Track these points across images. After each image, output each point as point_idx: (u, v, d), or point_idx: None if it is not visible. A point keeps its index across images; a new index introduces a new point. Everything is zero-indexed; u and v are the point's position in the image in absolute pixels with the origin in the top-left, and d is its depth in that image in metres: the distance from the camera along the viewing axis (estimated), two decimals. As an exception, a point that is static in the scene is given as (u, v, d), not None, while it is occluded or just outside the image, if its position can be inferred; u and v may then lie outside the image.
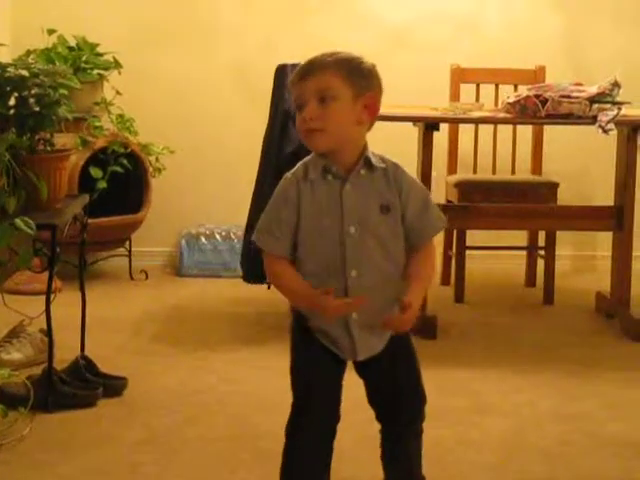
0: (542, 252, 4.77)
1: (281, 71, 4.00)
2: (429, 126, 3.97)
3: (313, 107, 2.05)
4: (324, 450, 2.18)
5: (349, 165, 2.09)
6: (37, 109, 3.13)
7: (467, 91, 4.85)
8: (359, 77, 2.07)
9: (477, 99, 4.76)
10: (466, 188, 4.59)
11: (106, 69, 4.80)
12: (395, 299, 2.08)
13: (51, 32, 4.72)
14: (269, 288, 4.05)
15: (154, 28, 5.19)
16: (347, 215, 2.07)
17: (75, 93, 3.77)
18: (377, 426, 2.24)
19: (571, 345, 3.92)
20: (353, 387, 2.20)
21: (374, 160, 2.10)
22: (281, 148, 3.94)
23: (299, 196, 2.08)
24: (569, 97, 3.86)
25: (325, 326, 2.12)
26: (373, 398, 2.23)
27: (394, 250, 2.11)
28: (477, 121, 4.44)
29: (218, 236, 5.15)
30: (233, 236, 5.12)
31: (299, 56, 4.03)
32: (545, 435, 2.96)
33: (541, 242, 4.82)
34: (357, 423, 2.36)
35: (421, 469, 2.25)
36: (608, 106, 3.84)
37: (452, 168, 4.90)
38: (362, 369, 2.20)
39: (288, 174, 2.13)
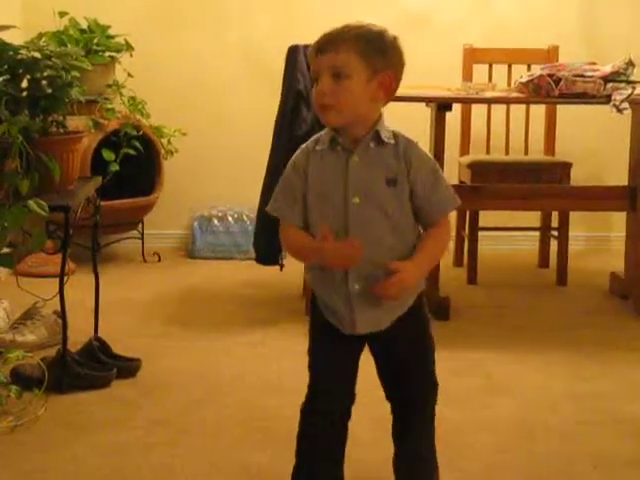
0: (555, 233, 4.76)
1: (293, 52, 3.98)
2: (441, 106, 3.95)
3: (327, 82, 2.03)
4: (339, 430, 2.18)
5: (359, 137, 2.08)
6: (49, 91, 3.13)
7: (480, 71, 4.83)
8: (376, 55, 2.04)
9: (490, 79, 4.74)
10: (479, 169, 4.58)
11: (118, 51, 4.80)
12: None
13: (62, 14, 4.71)
14: (281, 270, 4.05)
15: (165, 10, 5.19)
16: (352, 185, 2.06)
17: (87, 75, 3.76)
18: (389, 407, 2.24)
19: (585, 326, 3.91)
20: (367, 367, 2.19)
21: (384, 135, 2.09)
22: (293, 129, 3.93)
23: (307, 165, 2.10)
24: (583, 76, 3.84)
25: (327, 298, 2.12)
26: (381, 376, 2.22)
27: (401, 224, 2.09)
28: (490, 101, 4.42)
29: (230, 218, 5.16)
30: (245, 218, 5.12)
31: (311, 37, 4.05)
32: (560, 415, 2.95)
33: (554, 223, 4.81)
34: (371, 403, 2.36)
35: (434, 455, 2.23)
36: (622, 85, 3.81)
37: (465, 149, 4.89)
38: (373, 346, 2.19)
39: (303, 145, 2.15)
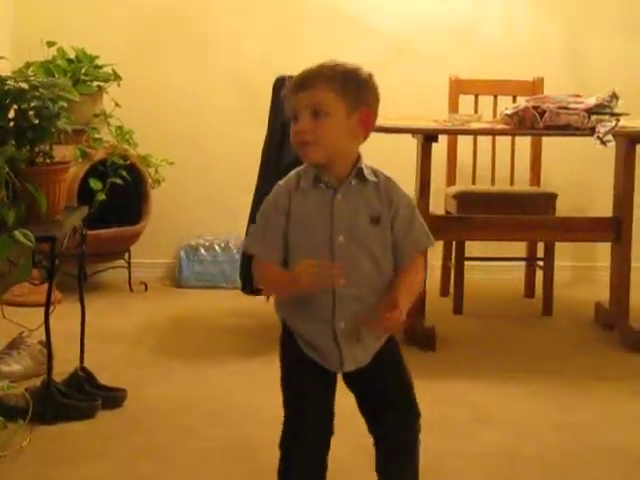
0: (541, 263, 4.78)
1: (280, 82, 4.01)
2: (428, 137, 3.98)
3: (306, 120, 2.05)
4: (318, 464, 2.16)
5: (341, 176, 2.09)
6: (36, 122, 3.14)
7: (466, 102, 4.86)
8: (354, 92, 2.06)
9: (476, 110, 4.77)
10: (465, 199, 4.60)
11: (105, 81, 4.82)
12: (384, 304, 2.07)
13: (51, 44, 4.73)
14: (268, 300, 4.05)
15: (153, 40, 5.21)
16: (337, 224, 2.07)
17: (74, 105, 3.77)
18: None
19: (570, 356, 3.92)
20: (348, 397, 2.19)
21: (366, 172, 2.10)
22: (280, 159, 3.95)
23: (290, 204, 2.09)
24: (567, 108, 3.87)
25: (311, 335, 2.11)
26: (363, 410, 2.21)
27: (383, 261, 2.11)
28: (475, 132, 4.45)
29: (217, 247, 5.16)
30: (232, 247, 5.12)
31: (298, 67, 4.06)
32: (544, 446, 2.96)
33: (540, 253, 4.82)
34: (352, 434, 2.36)
35: None
36: (606, 117, 3.85)
37: (451, 179, 4.91)
38: (350, 381, 2.19)
39: (280, 182, 2.14)
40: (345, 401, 2.19)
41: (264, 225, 2.12)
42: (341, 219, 2.08)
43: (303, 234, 2.09)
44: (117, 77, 4.80)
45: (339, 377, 2.17)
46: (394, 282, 2.11)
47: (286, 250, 2.10)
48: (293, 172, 2.14)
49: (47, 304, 3.03)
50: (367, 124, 2.09)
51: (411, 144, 4.15)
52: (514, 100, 4.69)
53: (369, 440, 2.22)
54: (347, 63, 2.11)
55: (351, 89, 2.06)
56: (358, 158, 2.12)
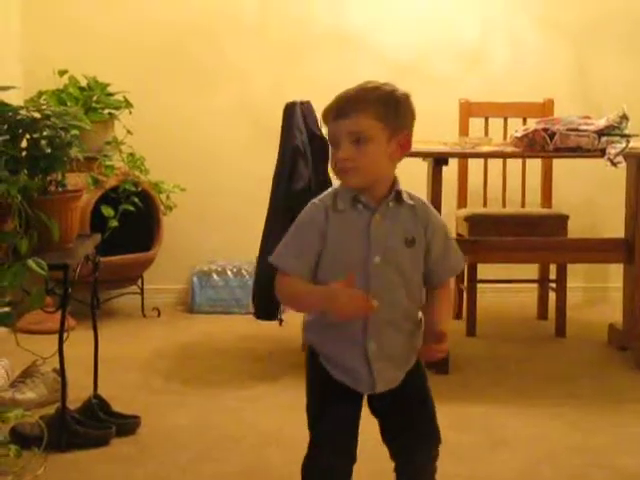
0: (553, 285, 4.77)
1: (290, 109, 4.02)
2: (438, 161, 3.99)
3: (347, 148, 2.05)
4: None
5: (379, 197, 2.10)
6: (49, 151, 3.15)
7: (476, 124, 4.87)
8: (394, 116, 2.07)
9: (486, 133, 4.78)
10: (476, 222, 4.61)
11: (117, 108, 4.84)
12: (412, 334, 2.09)
13: (62, 73, 4.77)
14: (281, 325, 4.06)
15: (164, 68, 5.24)
16: (374, 244, 2.08)
17: (86, 133, 3.79)
18: (392, 463, 2.23)
19: (584, 378, 3.91)
20: (369, 423, 2.19)
21: (404, 195, 2.12)
22: (290, 185, 3.95)
23: (327, 223, 2.08)
24: (577, 130, 3.87)
25: (342, 357, 2.11)
26: (387, 436, 2.21)
27: (414, 285, 2.12)
28: (485, 155, 4.46)
29: (230, 272, 5.17)
30: (245, 272, 5.13)
31: (308, 93, 4.10)
32: (559, 469, 2.95)
33: (552, 274, 4.82)
34: (373, 459, 2.36)
35: None
36: (617, 139, 3.84)
37: (462, 202, 4.92)
38: (376, 407, 2.19)
39: (315, 200, 2.13)
40: (366, 425, 2.18)
41: (298, 241, 2.10)
42: (378, 240, 2.08)
43: (339, 254, 2.08)
44: (128, 104, 4.82)
45: (364, 402, 2.18)
46: (433, 309, 2.13)
47: (316, 267, 2.09)
48: (329, 191, 2.14)
49: (61, 332, 3.04)
50: (405, 146, 2.11)
51: (421, 167, 4.16)
52: (524, 122, 4.70)
53: (390, 465, 2.22)
54: (384, 86, 2.11)
55: (391, 114, 2.07)
56: (394, 181, 2.13)
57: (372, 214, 2.09)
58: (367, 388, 2.13)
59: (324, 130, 2.14)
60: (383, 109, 2.06)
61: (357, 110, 2.05)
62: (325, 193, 2.14)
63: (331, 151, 2.10)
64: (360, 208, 2.10)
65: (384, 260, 2.08)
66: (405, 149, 2.11)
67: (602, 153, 3.83)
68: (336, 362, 2.13)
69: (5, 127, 3.10)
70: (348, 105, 2.07)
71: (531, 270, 4.95)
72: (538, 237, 4.53)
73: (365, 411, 2.19)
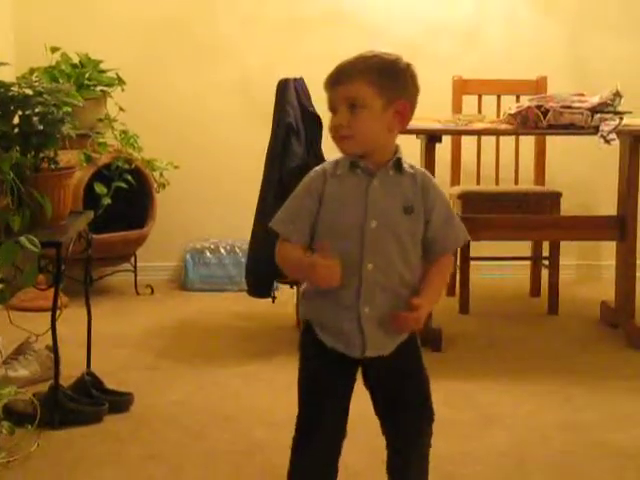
0: (546, 262, 4.78)
1: (283, 86, 4.02)
2: (431, 138, 3.98)
3: (343, 114, 2.06)
4: (329, 467, 2.18)
5: (379, 164, 2.11)
6: (41, 127, 3.15)
7: (469, 102, 4.87)
8: (391, 84, 2.07)
9: (479, 110, 4.78)
10: (469, 199, 4.61)
11: (109, 86, 4.82)
12: (407, 302, 2.09)
13: (54, 50, 4.74)
14: (274, 302, 4.07)
15: (156, 44, 5.22)
16: (370, 209, 2.08)
17: (79, 110, 3.78)
18: (383, 440, 2.23)
19: (576, 355, 3.92)
20: (360, 400, 2.20)
21: (405, 165, 2.12)
22: (284, 162, 3.96)
23: (324, 187, 2.10)
24: (570, 107, 3.87)
25: (335, 320, 2.11)
26: (378, 409, 2.22)
27: (411, 254, 2.12)
28: (479, 132, 4.45)
29: (223, 250, 5.17)
30: (238, 250, 5.13)
31: (302, 71, 4.09)
32: (550, 446, 2.96)
33: (545, 252, 4.83)
34: (364, 436, 2.37)
35: None
36: (610, 116, 3.84)
37: (455, 179, 4.92)
38: (370, 377, 2.19)
39: (317, 167, 2.15)
40: (357, 402, 2.18)
41: (295, 208, 2.12)
42: (375, 204, 2.08)
43: (335, 217, 2.09)
44: (121, 82, 4.80)
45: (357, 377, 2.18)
46: (424, 281, 2.13)
47: (313, 234, 2.11)
48: (331, 159, 2.15)
49: (53, 309, 3.04)
50: (404, 116, 2.10)
51: (415, 144, 4.16)
52: (517, 100, 4.70)
53: (380, 442, 2.23)
54: (385, 54, 2.12)
55: (387, 81, 2.07)
56: (396, 150, 2.13)
57: (371, 179, 2.09)
58: (358, 351, 2.12)
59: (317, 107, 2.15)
60: (378, 76, 2.06)
61: (352, 76, 2.06)
62: (328, 161, 2.16)
63: (331, 119, 2.10)
64: (359, 173, 2.10)
65: (381, 225, 2.08)
66: (405, 119, 2.11)
67: (595, 130, 3.83)
68: (330, 328, 2.13)
69: (-3, 104, 3.09)
70: (345, 72, 2.08)
71: (524, 247, 4.96)
72: (531, 215, 4.54)
73: (357, 388, 2.19)
